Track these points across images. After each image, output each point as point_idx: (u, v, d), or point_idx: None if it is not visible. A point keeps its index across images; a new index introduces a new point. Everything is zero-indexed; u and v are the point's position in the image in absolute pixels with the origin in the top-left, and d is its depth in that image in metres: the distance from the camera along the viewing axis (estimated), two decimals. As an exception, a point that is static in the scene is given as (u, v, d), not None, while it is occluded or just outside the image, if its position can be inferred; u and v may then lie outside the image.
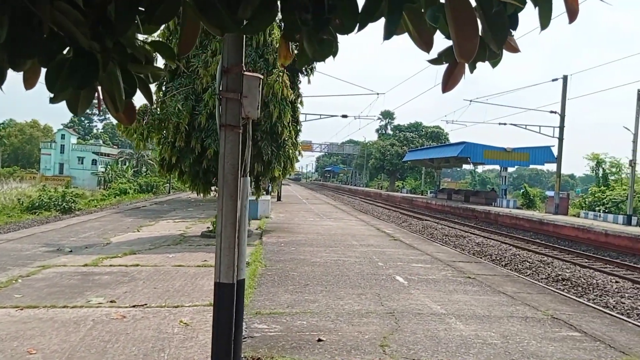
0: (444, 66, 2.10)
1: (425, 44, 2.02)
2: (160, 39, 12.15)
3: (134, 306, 7.23)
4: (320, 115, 40.68)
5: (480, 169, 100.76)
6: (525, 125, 38.44)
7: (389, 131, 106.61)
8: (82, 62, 1.77)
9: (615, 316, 8.66)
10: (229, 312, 4.51)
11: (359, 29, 1.92)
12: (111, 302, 7.46)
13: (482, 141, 45.19)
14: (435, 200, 51.37)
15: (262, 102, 13.43)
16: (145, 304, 7.32)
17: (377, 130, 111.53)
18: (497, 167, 49.04)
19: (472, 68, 2.14)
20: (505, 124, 40.04)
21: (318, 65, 15.64)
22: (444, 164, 58.60)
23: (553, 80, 35.14)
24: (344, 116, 42.00)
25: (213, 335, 4.52)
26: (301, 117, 17.18)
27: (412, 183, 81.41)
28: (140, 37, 2.11)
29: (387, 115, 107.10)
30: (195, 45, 8.95)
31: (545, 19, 2.06)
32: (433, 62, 2.14)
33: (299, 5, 1.89)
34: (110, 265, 10.32)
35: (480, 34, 1.97)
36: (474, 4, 1.94)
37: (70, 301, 7.41)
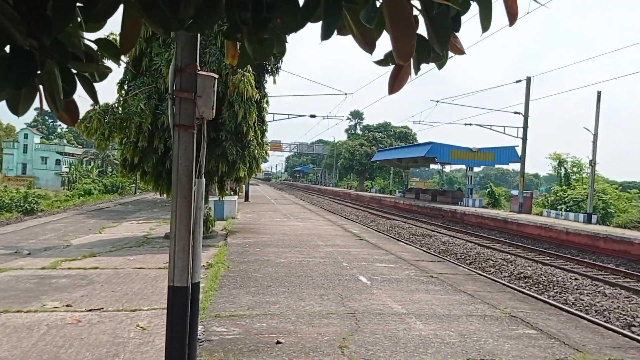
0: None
1: (367, 44, 2.01)
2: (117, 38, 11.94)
3: (90, 310, 7.06)
4: (289, 115, 40.59)
5: (448, 168, 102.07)
6: (490, 125, 39.08)
7: (359, 131, 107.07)
8: (20, 61, 1.70)
9: (571, 313, 8.85)
10: (183, 316, 4.44)
11: (297, 29, 1.89)
12: (67, 306, 7.27)
13: (449, 141, 45.76)
14: (403, 199, 51.79)
15: (227, 101, 13.40)
16: (102, 308, 7.16)
17: (346, 130, 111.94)
18: (464, 166, 49.70)
19: (417, 69, 2.12)
20: (470, 124, 40.63)
21: (286, 65, 15.65)
22: (412, 164, 59.16)
23: (517, 81, 35.79)
24: (312, 116, 41.97)
25: (167, 340, 4.44)
26: (269, 117, 17.11)
27: (381, 183, 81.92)
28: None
29: (356, 115, 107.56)
30: (158, 44, 8.85)
31: (485, 21, 2.07)
32: (379, 63, 2.12)
33: (238, 3, 1.85)
34: (69, 268, 10.08)
35: (425, 35, 1.97)
36: (419, 5, 1.93)
37: (24, 305, 7.21)
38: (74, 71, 1.99)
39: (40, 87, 1.91)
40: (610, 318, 10.62)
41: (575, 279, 14.73)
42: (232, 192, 25.02)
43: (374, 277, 10.00)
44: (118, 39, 2.05)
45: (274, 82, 15.60)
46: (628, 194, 40.75)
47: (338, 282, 9.44)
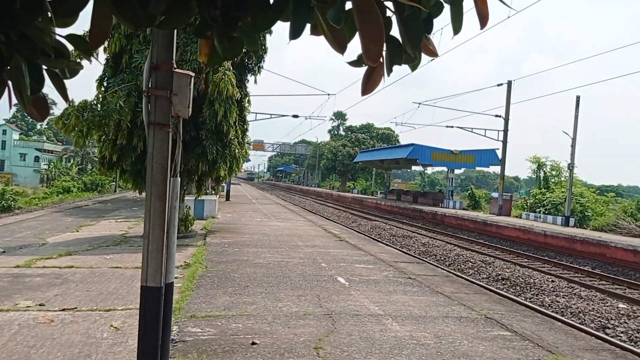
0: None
1: (338, 45, 1.99)
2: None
3: (63, 310, 6.96)
4: (271, 115, 40.46)
5: (429, 170, 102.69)
6: (472, 128, 39.33)
7: (341, 132, 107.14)
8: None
9: (546, 314, 8.95)
10: (156, 317, 4.38)
11: (266, 28, 1.88)
12: (40, 305, 7.16)
13: (430, 143, 46.00)
14: (385, 200, 51.99)
15: (208, 100, 13.31)
16: (76, 308, 7.06)
17: (329, 131, 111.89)
18: (446, 168, 50.03)
19: (389, 71, 2.11)
20: (452, 126, 40.86)
21: (269, 65, 15.61)
22: (394, 165, 59.39)
23: (498, 85, 36.16)
24: (295, 116, 41.88)
25: (139, 341, 4.39)
26: (251, 117, 17.00)
27: (363, 184, 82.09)
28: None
29: (340, 116, 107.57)
30: (139, 41, 8.78)
31: (457, 24, 2.07)
32: (352, 64, 2.11)
33: (207, 0, 1.83)
34: (44, 267, 9.92)
35: (399, 37, 1.97)
36: (392, 7, 1.93)
37: (-4, 305, 7.08)
38: (44, 67, 1.95)
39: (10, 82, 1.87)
40: (585, 320, 10.76)
41: (552, 281, 14.90)
42: (212, 192, 24.86)
43: (352, 278, 10.00)
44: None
45: (255, 81, 15.55)
46: (605, 197, 41.30)
47: (316, 282, 9.43)
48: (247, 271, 10.18)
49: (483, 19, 2.12)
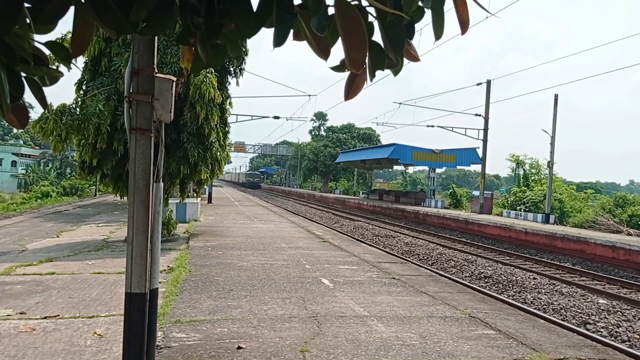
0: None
1: (322, 51, 2.00)
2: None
3: (45, 317, 6.86)
4: (252, 116, 40.36)
5: (411, 169, 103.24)
6: (452, 127, 39.65)
7: (322, 132, 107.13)
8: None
9: (529, 312, 9.05)
10: (141, 323, 4.35)
11: (250, 35, 1.88)
12: (21, 313, 7.05)
13: (411, 143, 46.21)
14: (367, 200, 52.15)
15: (189, 103, 13.23)
16: (58, 315, 6.97)
17: (310, 132, 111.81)
18: (427, 168, 50.30)
19: (372, 76, 2.12)
20: (433, 126, 41.15)
21: (250, 67, 15.55)
22: (376, 165, 59.57)
23: (477, 84, 36.46)
24: (276, 117, 41.93)
25: (124, 348, 4.36)
26: (232, 118, 16.93)
27: (345, 184, 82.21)
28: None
29: (320, 116, 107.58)
30: (118, 44, 8.70)
31: (438, 29, 2.08)
32: (335, 69, 2.12)
33: (190, 8, 1.82)
34: (24, 274, 9.77)
35: (381, 42, 1.98)
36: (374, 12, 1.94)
37: (-25, 314, 6.95)
38: (23, 74, 1.93)
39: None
40: (566, 316, 10.91)
41: (534, 278, 15.07)
42: (195, 194, 24.69)
43: (337, 280, 10.02)
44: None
45: (237, 84, 15.48)
46: (584, 194, 41.80)
47: (301, 285, 9.43)
48: (231, 274, 10.14)
49: (464, 25, 2.14)
